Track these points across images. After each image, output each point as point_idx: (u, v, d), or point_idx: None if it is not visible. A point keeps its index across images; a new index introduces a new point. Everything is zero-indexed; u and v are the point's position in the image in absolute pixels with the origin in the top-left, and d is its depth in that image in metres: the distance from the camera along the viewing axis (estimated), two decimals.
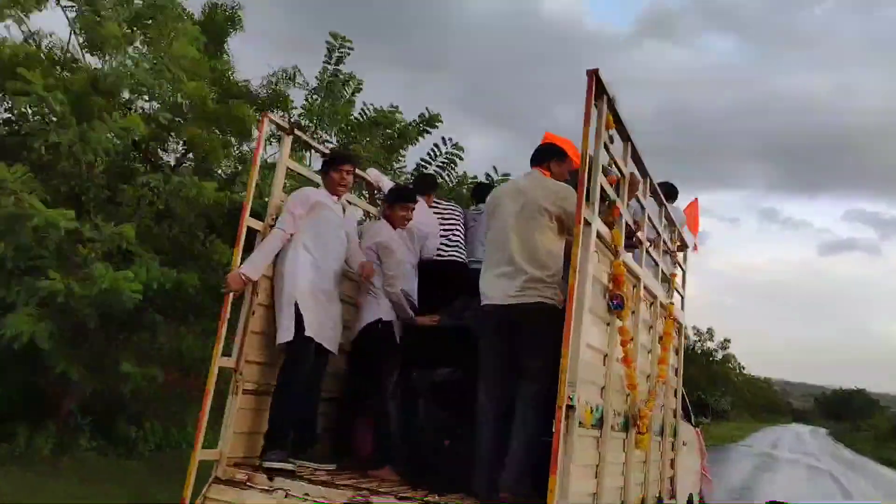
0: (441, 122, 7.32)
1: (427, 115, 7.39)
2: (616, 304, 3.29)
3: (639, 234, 3.94)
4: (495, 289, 3.44)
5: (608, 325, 3.35)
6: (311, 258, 3.68)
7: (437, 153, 7.60)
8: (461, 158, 7.53)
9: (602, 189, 3.21)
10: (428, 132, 7.41)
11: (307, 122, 6.54)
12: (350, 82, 7.02)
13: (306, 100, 6.75)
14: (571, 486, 2.73)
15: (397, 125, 7.28)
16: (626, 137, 3.57)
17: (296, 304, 3.57)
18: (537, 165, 3.60)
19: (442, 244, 4.77)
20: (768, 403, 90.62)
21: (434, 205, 4.94)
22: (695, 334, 38.10)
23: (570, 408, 2.72)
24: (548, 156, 3.59)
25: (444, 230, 4.83)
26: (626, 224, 3.59)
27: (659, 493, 4.55)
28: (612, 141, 3.25)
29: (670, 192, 5.57)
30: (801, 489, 14.55)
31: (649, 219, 4.21)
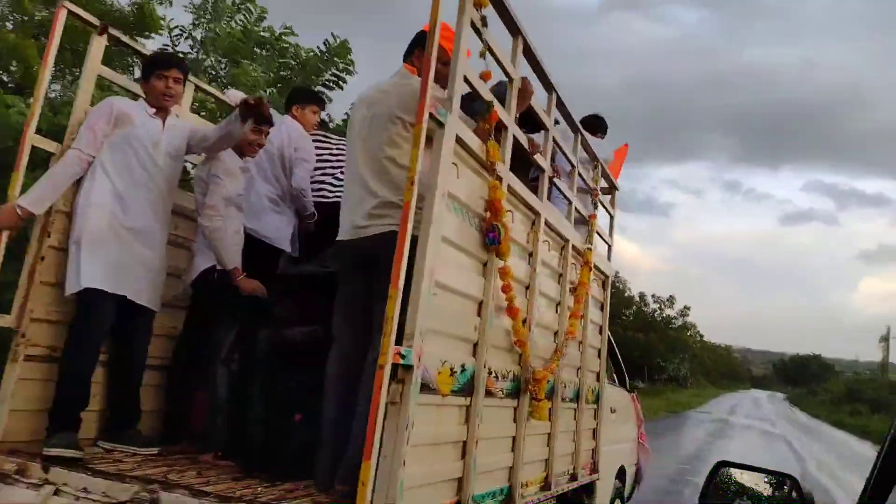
0: (350, 49, 6.30)
1: (333, 41, 6.37)
2: (491, 238, 2.55)
3: (537, 157, 3.19)
4: (345, 218, 2.71)
5: (485, 265, 2.62)
6: (111, 186, 2.88)
7: (323, 70, 6.43)
8: (351, 73, 6.46)
9: (473, 88, 2.47)
10: (335, 65, 6.37)
11: (190, 48, 5.58)
12: (249, 5, 6.00)
13: (193, 23, 5.79)
14: (408, 471, 2.02)
15: (301, 55, 6.25)
16: (515, 30, 2.82)
17: (82, 244, 2.77)
18: (405, 61, 2.84)
19: (328, 184, 4.00)
20: (729, 370, 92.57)
21: (323, 139, 4.14)
22: (655, 301, 38.15)
23: (404, 368, 2.00)
24: (412, 46, 2.82)
25: (332, 167, 4.05)
26: (516, 142, 2.86)
27: (573, 468, 3.91)
28: (484, 24, 2.48)
29: (597, 124, 4.85)
30: (756, 455, 14.31)
31: (556, 144, 3.47)
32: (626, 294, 38.43)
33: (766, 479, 1.86)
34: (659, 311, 37.95)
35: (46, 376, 2.87)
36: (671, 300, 38.03)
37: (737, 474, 1.90)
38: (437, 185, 2.16)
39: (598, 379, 4.43)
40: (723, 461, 1.92)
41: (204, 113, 4.73)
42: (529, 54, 2.96)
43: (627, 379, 5.96)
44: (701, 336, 48.02)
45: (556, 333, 3.51)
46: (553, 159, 3.47)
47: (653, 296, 37.96)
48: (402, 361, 1.95)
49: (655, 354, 35.14)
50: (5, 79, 4.97)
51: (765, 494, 1.84)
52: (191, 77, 3.49)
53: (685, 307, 39.21)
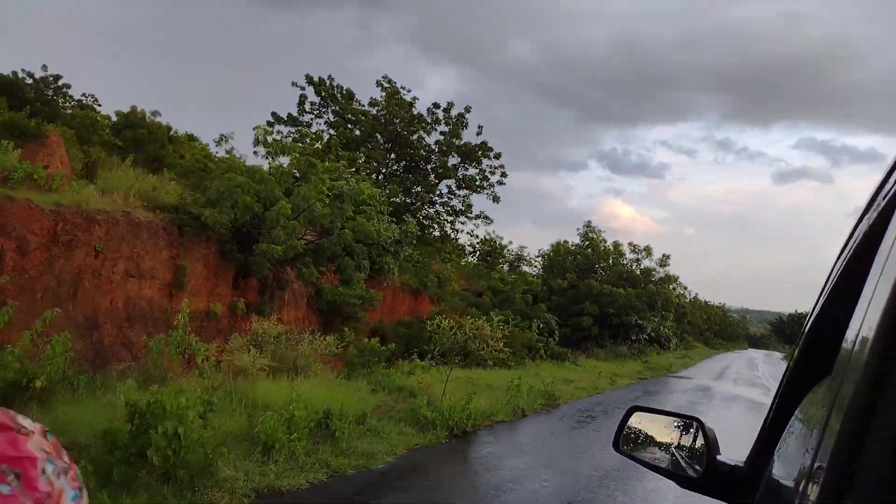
0: None
1: None
2: None
3: None
4: None
5: None
6: None
7: None
8: None
9: None
10: None
11: None
12: None
13: None
14: None
15: None
16: None
17: None
18: None
19: None
20: (724, 330, 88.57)
21: None
22: (632, 251, 33.30)
23: None
24: None
25: None
26: None
27: None
28: None
29: None
30: (737, 450, 9.78)
31: None
32: (601, 246, 33.86)
33: (675, 423, 1.90)
34: (636, 264, 33.31)
35: None
36: (648, 250, 33.18)
37: (648, 419, 1.94)
38: None
39: None
40: (636, 406, 1.94)
41: None
42: None
43: None
44: (685, 289, 43.04)
45: None
46: None
47: (629, 244, 33.07)
48: None
49: (634, 312, 30.68)
50: None
51: (673, 438, 1.86)
52: None
53: (664, 256, 34.16)
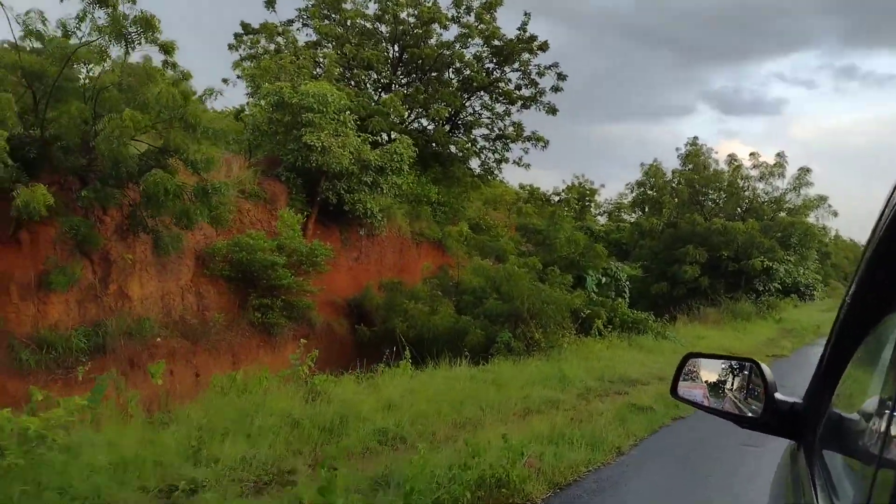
0: None
1: None
2: None
3: None
4: None
5: None
6: None
7: None
8: None
9: None
10: None
11: None
12: None
13: None
14: None
15: None
16: None
17: None
18: None
19: None
20: None
21: None
22: (753, 166, 23.38)
23: None
24: None
25: None
26: None
27: None
28: None
29: None
30: None
31: None
32: (710, 169, 24.82)
33: (730, 366, 1.93)
34: (762, 183, 23.78)
35: None
36: (780, 162, 22.89)
37: (703, 364, 1.98)
38: None
39: None
40: (691, 353, 2.03)
41: None
42: None
43: None
44: (835, 215, 32.28)
45: None
46: None
47: (751, 155, 22.97)
48: None
49: (759, 252, 21.70)
50: None
51: (729, 380, 1.90)
52: None
53: (802, 169, 23.61)
